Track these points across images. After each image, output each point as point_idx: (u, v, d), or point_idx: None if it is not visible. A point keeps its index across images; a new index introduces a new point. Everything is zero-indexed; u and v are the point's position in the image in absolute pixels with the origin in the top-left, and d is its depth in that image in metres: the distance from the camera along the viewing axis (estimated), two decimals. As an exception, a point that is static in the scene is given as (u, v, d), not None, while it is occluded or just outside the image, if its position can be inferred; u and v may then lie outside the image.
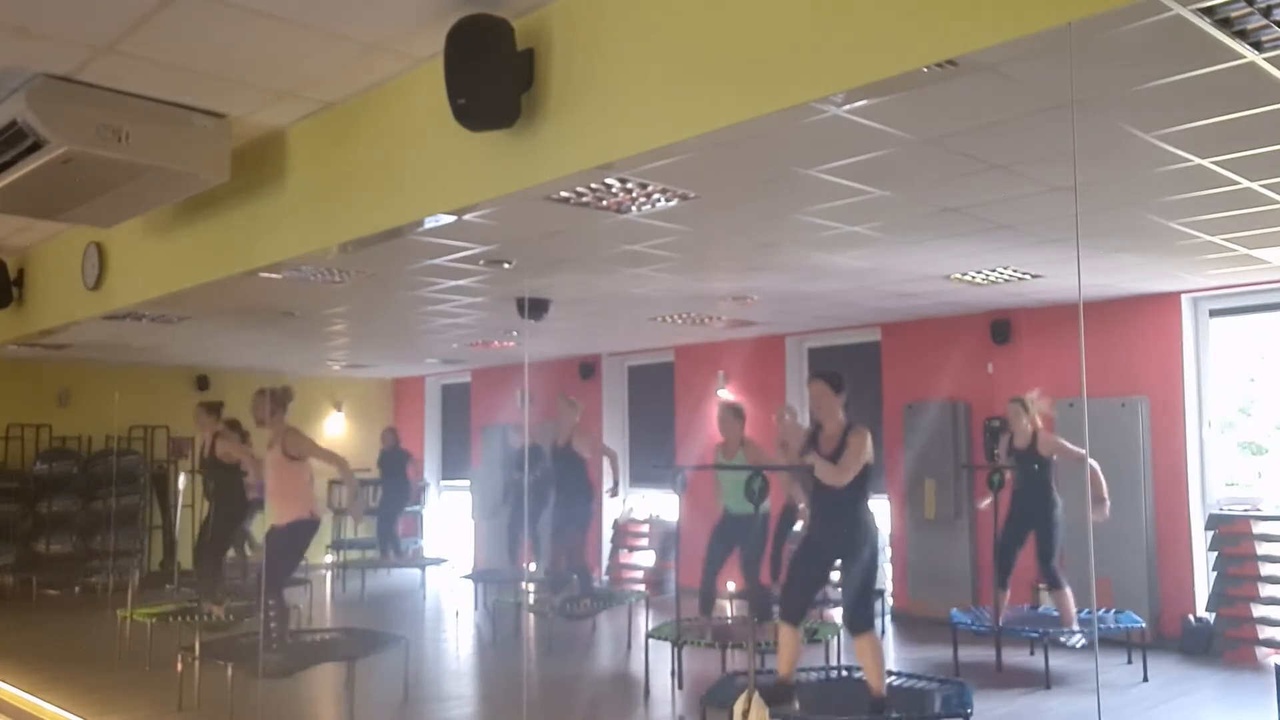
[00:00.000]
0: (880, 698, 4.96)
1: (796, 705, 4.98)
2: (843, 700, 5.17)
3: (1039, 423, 6.99)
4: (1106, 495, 6.71)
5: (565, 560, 8.48)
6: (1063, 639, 6.89)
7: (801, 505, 5.04)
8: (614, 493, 9.00)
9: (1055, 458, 6.90)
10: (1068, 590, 6.84)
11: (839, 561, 5.09)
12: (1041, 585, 8.03)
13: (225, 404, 7.72)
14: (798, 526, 7.53)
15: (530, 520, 8.88)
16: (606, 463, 8.87)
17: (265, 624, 6.10)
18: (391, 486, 11.78)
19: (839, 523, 5.02)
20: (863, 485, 5.04)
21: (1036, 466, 6.90)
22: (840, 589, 5.30)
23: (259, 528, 8.45)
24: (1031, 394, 7.03)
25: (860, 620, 5.01)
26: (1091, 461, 6.65)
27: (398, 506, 11.95)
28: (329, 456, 6.44)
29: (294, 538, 6.27)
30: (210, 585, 7.56)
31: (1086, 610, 6.90)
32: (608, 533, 11.45)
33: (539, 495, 8.76)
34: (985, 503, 7.28)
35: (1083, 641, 6.80)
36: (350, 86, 4.22)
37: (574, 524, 8.46)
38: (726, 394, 10.30)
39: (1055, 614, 7.19)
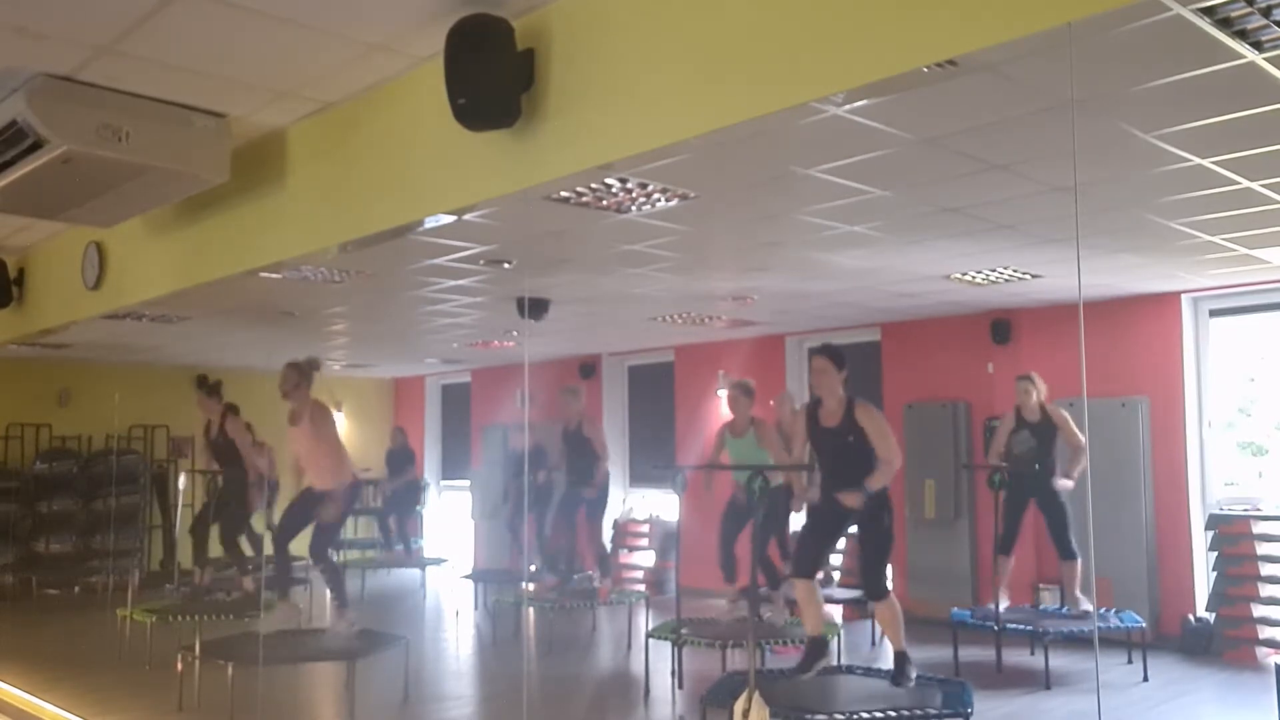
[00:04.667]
0: (901, 652, 5.19)
1: (837, 651, 5.21)
2: (844, 699, 5.17)
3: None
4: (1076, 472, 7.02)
5: (570, 545, 8.46)
6: (1065, 614, 7.01)
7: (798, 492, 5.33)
8: None
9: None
10: (1079, 562, 6.94)
11: (854, 529, 5.31)
12: (1043, 585, 8.06)
13: (225, 401, 7.76)
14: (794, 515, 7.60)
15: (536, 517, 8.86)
16: None
17: (334, 583, 6.40)
18: (400, 485, 11.82)
19: (851, 485, 5.12)
20: (872, 453, 5.13)
21: (1045, 440, 7.02)
22: (861, 559, 5.52)
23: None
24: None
25: (879, 587, 5.22)
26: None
27: (407, 504, 11.99)
28: (333, 453, 6.47)
29: (345, 501, 6.46)
30: (240, 560, 7.80)
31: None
32: (608, 532, 11.44)
33: (543, 496, 8.75)
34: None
35: (1085, 608, 6.90)
36: (350, 86, 4.22)
37: (586, 510, 8.47)
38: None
39: (1055, 611, 7.20)
